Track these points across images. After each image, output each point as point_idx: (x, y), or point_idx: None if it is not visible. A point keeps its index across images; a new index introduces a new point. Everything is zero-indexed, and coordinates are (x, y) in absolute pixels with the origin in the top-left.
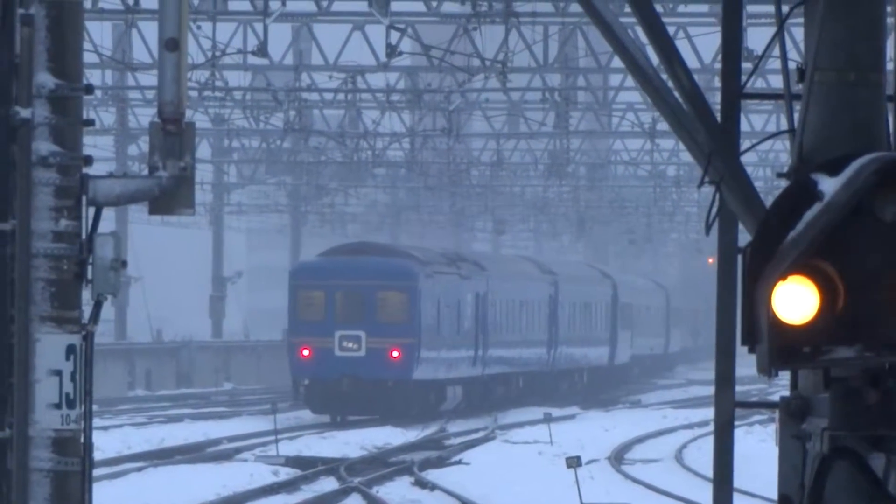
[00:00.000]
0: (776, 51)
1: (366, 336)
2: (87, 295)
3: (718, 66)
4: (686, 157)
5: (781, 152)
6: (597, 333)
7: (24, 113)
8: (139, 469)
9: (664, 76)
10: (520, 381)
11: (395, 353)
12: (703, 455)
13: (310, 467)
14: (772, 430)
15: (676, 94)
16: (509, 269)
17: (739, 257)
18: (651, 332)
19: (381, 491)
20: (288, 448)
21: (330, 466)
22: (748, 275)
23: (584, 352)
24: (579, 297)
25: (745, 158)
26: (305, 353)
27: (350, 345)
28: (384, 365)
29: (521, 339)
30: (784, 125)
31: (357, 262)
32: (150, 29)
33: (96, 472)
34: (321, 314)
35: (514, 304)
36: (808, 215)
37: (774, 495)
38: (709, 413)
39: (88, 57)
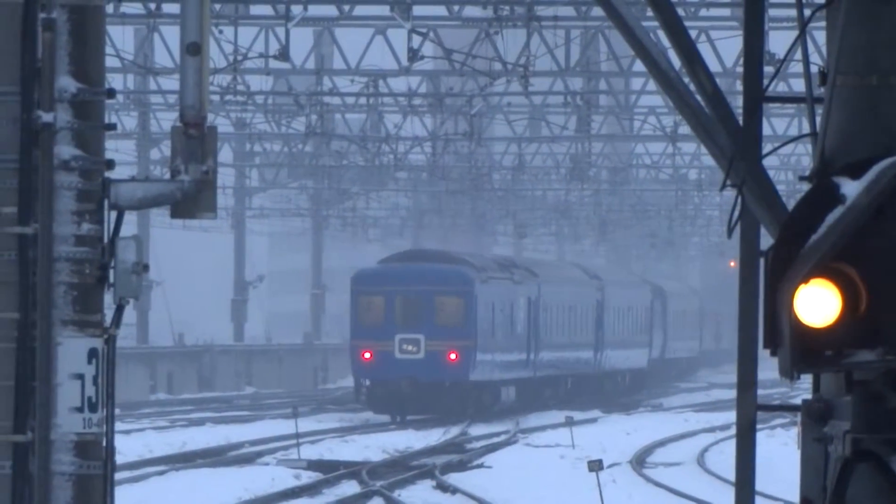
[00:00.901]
0: (798, 54)
1: (424, 339)
2: (108, 299)
3: (740, 69)
4: (708, 160)
5: (803, 156)
6: (639, 337)
7: (47, 117)
8: (161, 473)
9: (686, 80)
10: (568, 383)
11: (453, 356)
12: (725, 458)
13: (332, 471)
14: (794, 433)
15: (698, 97)
16: (559, 275)
17: (761, 261)
18: (686, 335)
19: (402, 494)
20: (310, 452)
21: (352, 470)
22: (770, 278)
23: (626, 354)
24: (623, 302)
25: (767, 162)
26: (367, 355)
27: (409, 347)
28: (442, 367)
29: (570, 342)
30: (806, 129)
31: (415, 268)
32: (171, 33)
33: (118, 476)
34: (381, 318)
35: (563, 308)
36: (830, 218)
37: (796, 499)
38: (731, 416)
39: (110, 61)
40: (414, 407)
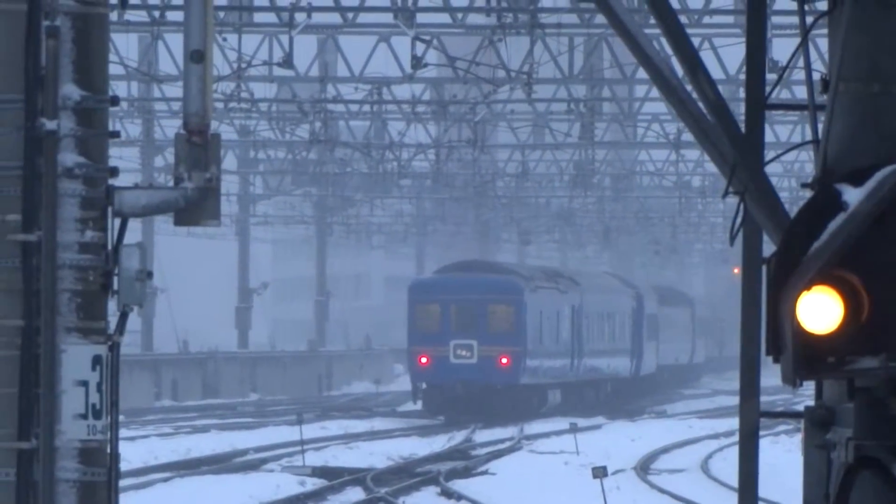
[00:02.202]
0: (801, 62)
1: (478, 345)
2: (112, 306)
3: (743, 77)
4: (711, 167)
5: (806, 163)
6: (681, 344)
7: (50, 125)
8: (165, 479)
9: (689, 87)
10: (608, 387)
11: (504, 360)
12: (728, 465)
13: (336, 478)
14: (797, 440)
15: (701, 104)
16: (599, 284)
17: (764, 268)
18: (716, 340)
19: (407, 501)
20: (314, 458)
21: (356, 477)
22: (773, 285)
23: (663, 358)
24: (657, 310)
25: (770, 169)
26: (423, 360)
27: (463, 353)
28: (494, 371)
29: (610, 349)
30: (808, 136)
31: (469, 278)
32: (175, 41)
33: (123, 483)
34: (437, 325)
35: (603, 316)
36: (833, 225)
37: None
38: (734, 423)
39: (114, 69)
40: (467, 409)
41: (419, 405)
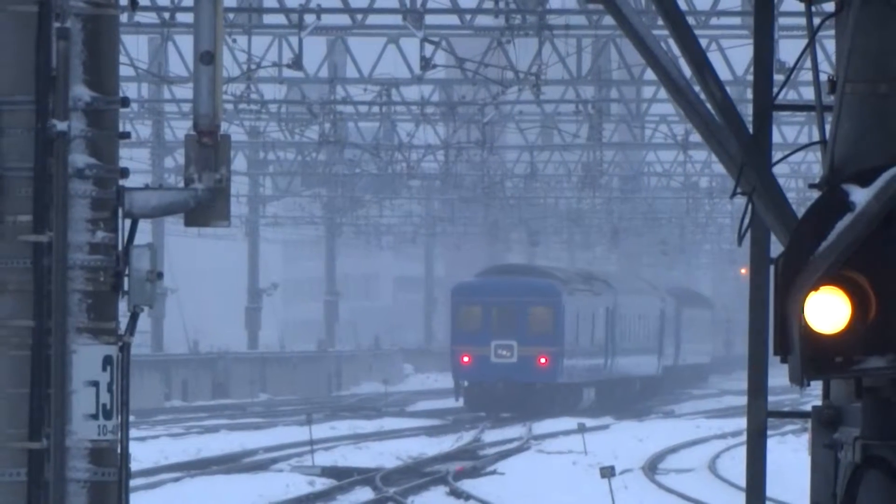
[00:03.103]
0: (808, 63)
1: (517, 345)
2: (123, 306)
3: (751, 77)
4: (719, 168)
5: (814, 163)
6: (705, 346)
7: (61, 126)
8: (176, 479)
9: (696, 88)
10: (637, 385)
11: (543, 360)
12: (736, 465)
13: (345, 477)
14: (805, 439)
15: (708, 105)
16: (630, 287)
17: (772, 268)
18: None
19: (416, 501)
20: (324, 458)
21: (365, 476)
22: (780, 285)
23: (685, 357)
24: (681, 312)
25: (778, 170)
26: (465, 359)
27: (504, 352)
28: (533, 370)
29: (640, 348)
30: (816, 136)
31: (509, 281)
32: (185, 42)
33: (133, 483)
34: (479, 326)
35: (634, 317)
36: (840, 226)
37: None
38: (742, 423)
39: (124, 70)
40: (507, 406)
41: (461, 402)
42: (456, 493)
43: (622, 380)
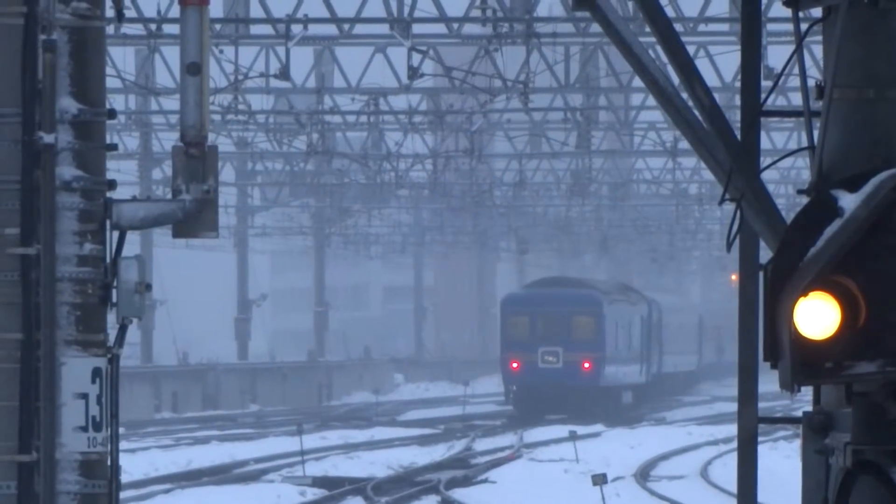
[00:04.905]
0: (796, 68)
1: (563, 352)
2: (112, 318)
3: (739, 84)
4: (708, 174)
5: (804, 169)
6: (730, 355)
7: (48, 138)
8: (166, 491)
9: (684, 95)
10: (679, 380)
11: (587, 365)
12: (728, 471)
13: (336, 487)
14: (796, 445)
15: (696, 112)
16: (664, 298)
17: (761, 274)
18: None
19: None
20: (315, 468)
21: (357, 486)
22: (770, 291)
23: (717, 361)
24: (716, 321)
25: (766, 176)
26: (514, 365)
27: (550, 359)
28: (577, 374)
29: (678, 350)
30: (804, 142)
31: (554, 292)
32: (172, 53)
33: (123, 495)
34: (527, 334)
35: (669, 325)
36: (829, 231)
37: None
38: (734, 429)
39: (111, 82)
40: (553, 408)
41: (511, 405)
42: (447, 502)
43: (661, 380)
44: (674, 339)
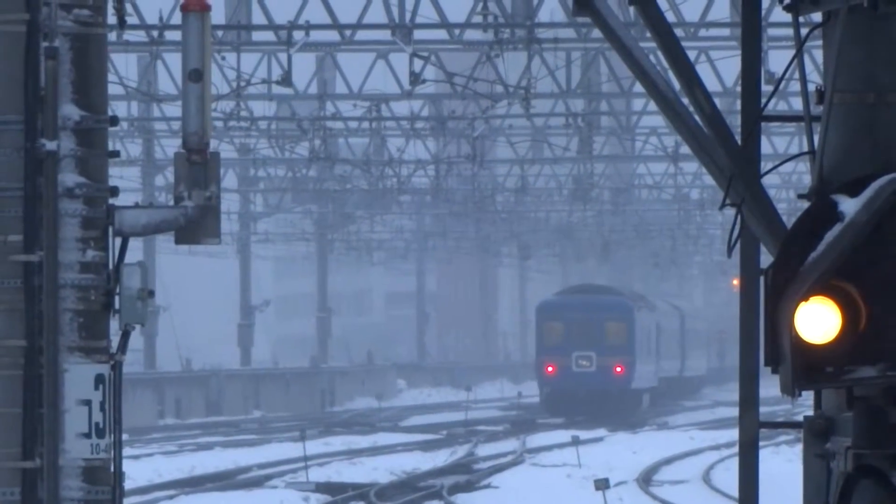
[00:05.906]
0: (796, 73)
1: (596, 356)
2: (115, 325)
3: (739, 89)
4: (709, 179)
5: (803, 174)
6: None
7: (50, 145)
8: (170, 497)
9: (685, 100)
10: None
11: (619, 369)
12: (730, 476)
13: (340, 493)
14: (798, 450)
15: (697, 117)
16: (686, 307)
17: (762, 278)
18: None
19: None
20: (318, 474)
21: (360, 492)
22: (770, 296)
23: (718, 366)
24: (718, 326)
25: (767, 180)
26: (549, 369)
27: (584, 363)
28: (610, 378)
29: (692, 359)
30: (805, 147)
31: (588, 299)
32: (174, 60)
33: (127, 501)
34: (561, 339)
35: (692, 332)
36: (829, 236)
37: None
38: (735, 434)
39: (113, 89)
40: (586, 410)
41: (546, 407)
42: None
43: (681, 383)
44: (690, 344)
